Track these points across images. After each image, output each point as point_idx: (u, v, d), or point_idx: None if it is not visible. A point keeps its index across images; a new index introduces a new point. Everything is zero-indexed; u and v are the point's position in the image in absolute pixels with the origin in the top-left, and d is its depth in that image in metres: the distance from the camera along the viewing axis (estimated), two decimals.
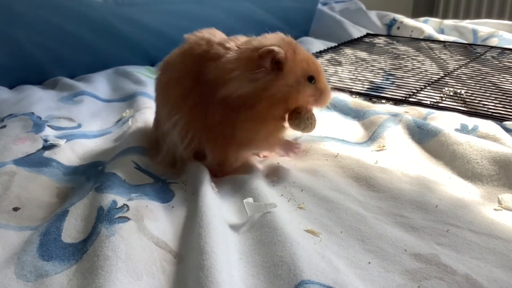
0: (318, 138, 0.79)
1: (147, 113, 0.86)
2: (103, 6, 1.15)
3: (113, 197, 0.57)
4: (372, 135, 0.80)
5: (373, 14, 1.73)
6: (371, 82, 1.11)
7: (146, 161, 0.69)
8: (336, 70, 1.20)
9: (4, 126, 0.80)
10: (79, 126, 0.85)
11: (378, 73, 1.18)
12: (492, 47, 1.39)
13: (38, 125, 0.81)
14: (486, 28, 1.55)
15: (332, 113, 0.93)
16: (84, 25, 1.12)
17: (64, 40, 1.11)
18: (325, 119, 0.89)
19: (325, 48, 1.44)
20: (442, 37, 1.51)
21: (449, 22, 1.68)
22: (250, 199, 0.58)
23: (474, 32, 1.55)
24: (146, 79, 1.09)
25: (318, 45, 1.48)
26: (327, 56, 1.35)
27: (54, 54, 1.11)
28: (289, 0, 1.56)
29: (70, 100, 0.96)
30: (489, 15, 2.70)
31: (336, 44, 1.48)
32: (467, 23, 1.65)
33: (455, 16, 2.82)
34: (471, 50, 1.36)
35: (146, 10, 1.25)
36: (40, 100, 0.93)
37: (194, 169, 0.66)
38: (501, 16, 2.64)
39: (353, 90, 1.05)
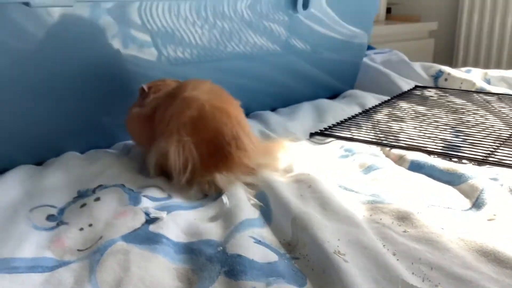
0: (421, 203, 0.78)
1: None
2: (157, 65, 1.15)
3: (252, 283, 0.55)
4: (476, 202, 0.78)
5: (417, 66, 1.74)
6: (443, 140, 1.10)
7: (261, 233, 0.68)
8: (401, 127, 1.19)
9: (98, 199, 0.78)
10: (170, 196, 0.83)
11: (445, 129, 1.17)
12: None
13: (134, 197, 0.79)
14: None
15: (419, 175, 0.91)
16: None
17: (127, 102, 1.11)
18: (415, 182, 0.87)
19: (378, 102, 1.44)
20: (494, 89, 1.50)
21: (494, 72, 1.69)
22: None
23: None
24: None
25: (370, 98, 1.48)
26: (384, 111, 1.34)
27: (119, 117, 1.11)
28: (335, 54, 1.57)
29: None
30: (509, 65, 2.73)
31: (388, 98, 1.48)
32: None
33: (475, 65, 2.85)
34: None
35: (198, 68, 1.25)
36: (126, 169, 0.91)
37: (307, 238, 0.64)
38: None
39: (429, 149, 1.03)
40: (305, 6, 1.35)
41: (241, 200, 0.78)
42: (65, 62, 0.97)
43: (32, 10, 0.88)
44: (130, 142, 1.10)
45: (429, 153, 1.02)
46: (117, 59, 1.06)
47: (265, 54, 1.37)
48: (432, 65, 1.73)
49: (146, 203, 0.77)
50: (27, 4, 0.87)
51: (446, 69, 1.67)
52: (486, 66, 2.81)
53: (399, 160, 1.00)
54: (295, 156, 1.00)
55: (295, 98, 1.51)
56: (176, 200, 0.82)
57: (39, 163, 0.99)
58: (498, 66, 2.74)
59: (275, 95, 1.46)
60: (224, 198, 0.79)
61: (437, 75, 1.66)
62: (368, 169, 0.94)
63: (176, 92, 0.93)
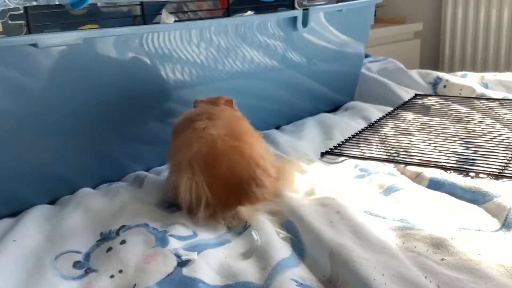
0: (451, 227, 0.77)
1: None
2: (162, 90, 1.13)
3: None
4: (506, 222, 0.78)
5: (414, 73, 1.74)
6: (455, 153, 1.10)
7: (299, 273, 0.67)
8: (410, 141, 1.19)
9: (124, 242, 0.76)
10: (195, 233, 0.81)
11: (454, 141, 1.17)
12: None
13: (160, 237, 0.77)
14: None
15: (441, 194, 0.91)
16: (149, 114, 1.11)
17: (135, 133, 1.09)
18: (438, 203, 0.87)
19: (381, 114, 1.44)
20: (494, 94, 1.51)
21: (490, 76, 1.70)
22: None
23: None
24: None
25: (372, 110, 1.48)
26: (390, 124, 1.34)
27: (129, 148, 1.09)
28: (334, 66, 1.57)
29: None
30: (496, 68, 2.75)
31: (390, 109, 1.48)
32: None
33: (461, 64, 2.88)
34: None
35: (198, 91, 1.24)
36: (144, 205, 0.90)
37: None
38: (508, 68, 2.69)
39: (445, 165, 1.03)
40: (305, 24, 1.34)
41: (271, 235, 0.77)
42: (73, 97, 0.95)
43: (40, 49, 0.86)
44: (141, 172, 1.08)
45: (445, 169, 1.02)
46: (124, 89, 1.04)
47: (265, 70, 1.37)
48: (429, 72, 1.73)
49: (174, 244, 0.76)
50: (34, 45, 0.84)
51: (444, 75, 1.68)
52: (472, 64, 2.83)
53: (417, 178, 1.00)
54: (312, 177, 1.00)
55: (297, 114, 1.50)
56: (203, 237, 0.80)
57: (52, 201, 0.97)
58: (484, 69, 2.76)
59: (278, 112, 1.45)
60: (254, 234, 0.77)
61: (435, 82, 1.67)
62: (388, 190, 0.94)
63: (193, 117, 0.91)
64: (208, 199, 0.83)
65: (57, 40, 0.87)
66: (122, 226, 0.82)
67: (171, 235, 0.78)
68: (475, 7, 2.78)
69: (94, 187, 1.02)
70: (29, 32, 0.86)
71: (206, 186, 0.83)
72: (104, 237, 0.80)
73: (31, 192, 0.94)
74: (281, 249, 0.73)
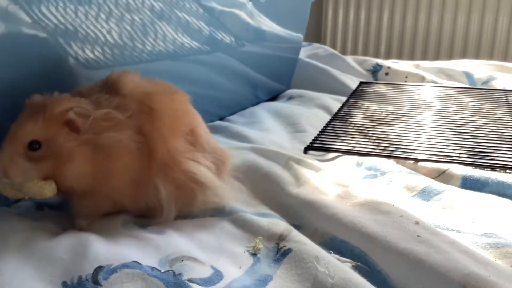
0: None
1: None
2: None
3: None
4: None
5: (349, 59, 1.59)
6: (456, 144, 0.95)
7: None
8: (397, 133, 1.02)
9: None
10: (216, 270, 0.54)
11: (444, 131, 1.02)
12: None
13: (173, 283, 0.49)
14: (477, 71, 1.50)
15: (491, 196, 0.74)
16: None
17: None
18: (502, 208, 0.70)
19: (336, 103, 1.25)
20: (446, 83, 1.41)
21: (426, 64, 1.61)
22: None
23: (468, 75, 1.48)
24: None
25: (326, 99, 1.28)
26: (356, 113, 1.15)
27: None
28: (271, 50, 1.35)
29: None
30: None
31: (342, 98, 1.30)
32: (451, 65, 1.58)
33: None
34: (491, 95, 1.28)
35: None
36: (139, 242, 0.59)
37: None
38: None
39: (467, 161, 0.87)
40: None
41: (339, 266, 0.53)
42: None
43: None
44: None
45: (465, 164, 0.85)
46: None
47: (195, 52, 1.11)
48: (366, 59, 1.59)
49: None
50: None
51: (384, 62, 1.55)
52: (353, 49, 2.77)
53: (441, 177, 0.82)
54: (329, 176, 0.78)
55: (239, 103, 1.26)
56: (230, 274, 0.53)
57: None
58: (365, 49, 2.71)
59: (218, 100, 1.19)
60: (322, 268, 0.52)
61: (375, 69, 1.53)
62: (424, 194, 0.74)
63: None
64: None
65: None
66: (99, 268, 0.51)
67: (190, 281, 0.50)
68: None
69: None
70: None
71: None
72: None
73: None
74: None
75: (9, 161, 0.57)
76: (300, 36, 1.46)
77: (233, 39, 1.21)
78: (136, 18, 0.95)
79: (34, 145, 0.57)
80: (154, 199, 0.63)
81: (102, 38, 0.90)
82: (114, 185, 0.61)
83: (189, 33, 1.08)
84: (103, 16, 0.88)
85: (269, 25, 1.30)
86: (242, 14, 1.20)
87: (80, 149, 0.59)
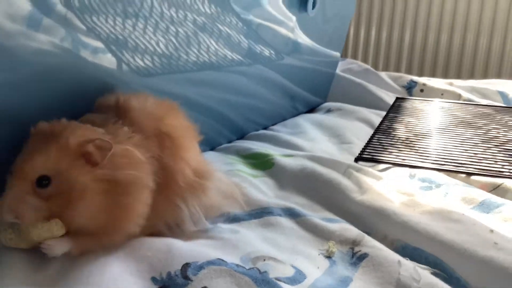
0: None
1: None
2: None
3: None
4: None
5: (384, 75, 1.60)
6: (505, 160, 0.96)
7: None
8: (444, 147, 1.03)
9: None
10: (298, 270, 0.55)
11: (488, 147, 1.03)
12: None
13: (261, 280, 0.50)
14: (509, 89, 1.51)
15: None
16: None
17: None
18: None
19: (376, 117, 1.27)
20: (483, 101, 1.42)
21: (460, 83, 1.62)
22: None
23: (502, 94, 1.50)
24: None
25: (366, 113, 1.29)
26: (398, 126, 1.17)
27: None
28: (310, 63, 1.37)
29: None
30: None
31: (380, 112, 1.32)
32: (484, 84, 1.59)
33: None
34: None
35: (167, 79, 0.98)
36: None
37: None
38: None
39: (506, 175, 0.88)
40: (314, 3, 1.13)
41: (422, 271, 0.54)
42: None
43: None
44: None
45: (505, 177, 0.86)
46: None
47: (236, 64, 1.13)
48: (401, 75, 1.61)
49: None
50: None
51: (419, 79, 1.56)
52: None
53: (495, 190, 0.83)
54: (390, 185, 0.79)
55: (279, 113, 1.28)
56: (312, 274, 0.54)
57: None
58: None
59: (260, 110, 1.21)
60: (404, 272, 0.53)
61: (410, 86, 1.55)
62: (484, 206, 0.75)
63: None
64: None
65: None
66: (187, 265, 0.53)
67: (277, 279, 0.51)
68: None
69: None
70: None
71: None
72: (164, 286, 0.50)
73: None
74: None
75: (19, 201, 0.50)
76: (338, 51, 1.48)
77: (273, 53, 1.24)
78: (180, 30, 0.97)
79: (43, 181, 0.51)
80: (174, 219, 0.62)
81: (151, 48, 0.92)
82: (129, 219, 0.55)
83: (231, 45, 1.11)
84: (150, 28, 0.91)
85: (308, 40, 1.32)
86: (283, 30, 1.22)
87: (95, 185, 0.52)
